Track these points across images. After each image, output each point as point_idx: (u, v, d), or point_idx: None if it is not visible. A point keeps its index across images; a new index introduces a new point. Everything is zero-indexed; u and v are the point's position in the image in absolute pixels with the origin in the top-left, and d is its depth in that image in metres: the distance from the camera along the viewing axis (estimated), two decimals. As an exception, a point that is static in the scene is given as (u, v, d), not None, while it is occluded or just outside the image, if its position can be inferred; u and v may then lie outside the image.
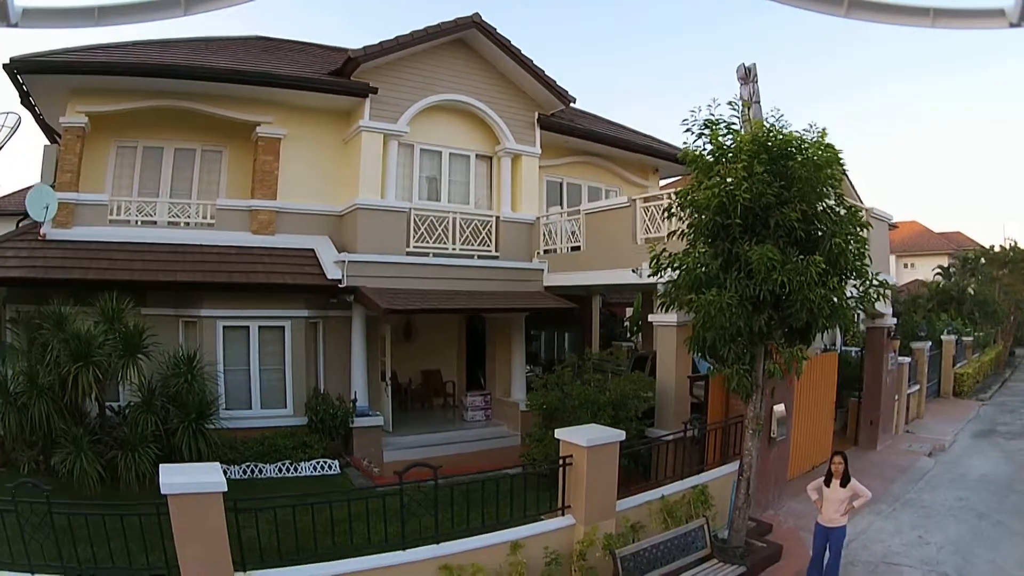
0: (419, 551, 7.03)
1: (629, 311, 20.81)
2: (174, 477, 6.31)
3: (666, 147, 17.26)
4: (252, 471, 11.89)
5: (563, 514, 7.80)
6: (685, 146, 8.21)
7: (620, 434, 7.98)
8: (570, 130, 16.01)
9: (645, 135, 18.38)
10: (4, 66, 13.17)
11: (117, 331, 11.03)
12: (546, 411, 11.22)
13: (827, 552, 7.81)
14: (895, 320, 15.54)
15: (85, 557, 6.76)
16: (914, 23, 3.57)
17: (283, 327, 13.31)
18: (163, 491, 6.14)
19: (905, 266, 44.49)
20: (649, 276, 9.17)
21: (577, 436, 7.70)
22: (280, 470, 12.02)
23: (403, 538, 7.04)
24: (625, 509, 8.14)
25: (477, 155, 15.22)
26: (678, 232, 8.69)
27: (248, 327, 13.21)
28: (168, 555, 6.43)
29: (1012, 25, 3.54)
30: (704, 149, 8.08)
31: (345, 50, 14.60)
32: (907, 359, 16.71)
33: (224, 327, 13.08)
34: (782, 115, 8.03)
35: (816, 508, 8.02)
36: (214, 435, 11.49)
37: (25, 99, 14.68)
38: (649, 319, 12.09)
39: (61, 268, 12.76)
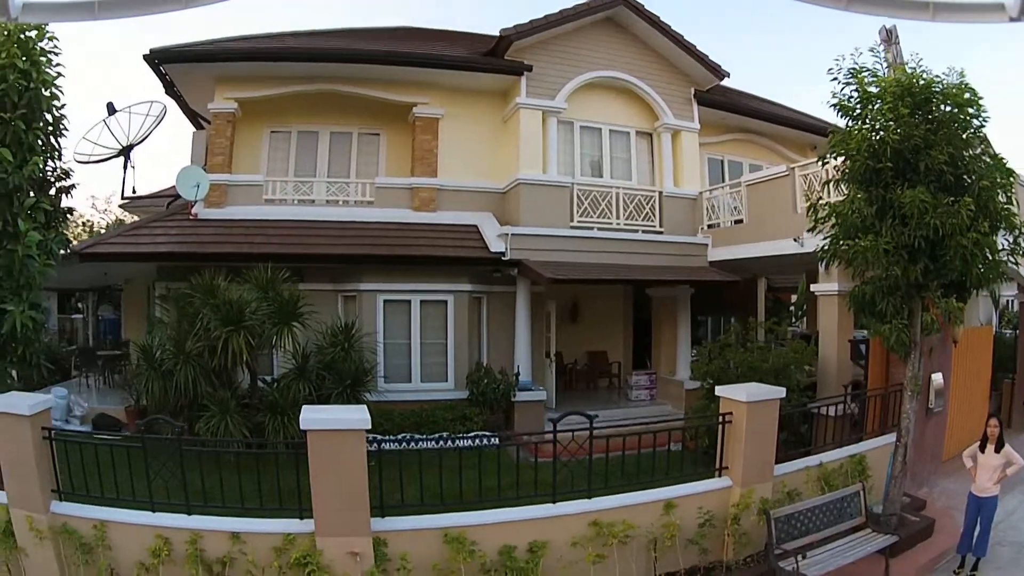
0: (569, 505, 6.78)
1: (795, 298, 20.17)
2: (315, 414, 6.30)
3: (823, 124, 16.81)
4: (408, 442, 11.30)
5: (720, 475, 7.47)
6: (832, 94, 8.18)
7: (780, 391, 7.67)
8: (728, 106, 15.72)
9: (800, 112, 17.99)
10: (144, 57, 13.52)
11: (271, 300, 10.77)
12: (708, 380, 10.80)
13: (977, 526, 7.51)
14: (1048, 294, 14.89)
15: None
16: (914, 17, 3.55)
17: (446, 301, 13.00)
18: (303, 426, 6.07)
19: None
20: (808, 231, 9.18)
21: (737, 392, 7.47)
22: (437, 442, 11.42)
23: (554, 491, 6.81)
24: (782, 474, 7.76)
25: (637, 132, 14.91)
26: (832, 180, 8.76)
27: (409, 301, 12.95)
28: (302, 500, 6.36)
29: (1012, 20, 3.50)
30: (851, 98, 8.06)
31: (491, 38, 14.62)
32: (1059, 336, 15.93)
33: (385, 301, 12.89)
34: (921, 59, 7.89)
35: (970, 478, 7.76)
36: (371, 406, 10.95)
37: (169, 88, 14.85)
38: (811, 289, 11.78)
39: (214, 243, 12.78)
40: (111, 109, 15.15)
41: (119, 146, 14.89)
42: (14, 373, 8.99)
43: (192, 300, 10.73)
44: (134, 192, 14.88)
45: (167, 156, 46.47)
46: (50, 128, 9.36)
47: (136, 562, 6.38)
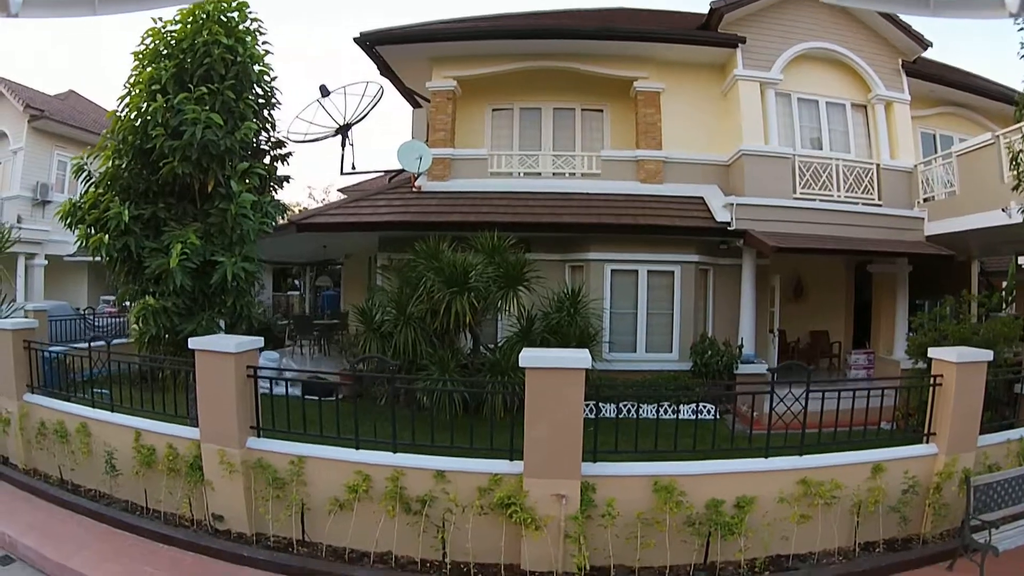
0: (780, 460, 6.66)
1: (1005, 284, 19.48)
2: (534, 352, 6.30)
3: (1030, 97, 16.16)
4: (628, 410, 11.29)
5: (927, 441, 7.17)
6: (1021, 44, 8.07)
7: (988, 353, 7.31)
8: (935, 77, 15.23)
9: (1005, 86, 17.32)
10: (355, 39, 13.78)
11: (497, 264, 10.75)
12: (922, 356, 10.25)
13: None
14: None
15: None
16: (914, 11, 3.40)
17: (673, 272, 12.92)
18: (522, 364, 6.07)
19: None
20: (1013, 189, 9.11)
21: (947, 353, 7.15)
22: (656, 411, 11.35)
23: (767, 445, 6.69)
24: (985, 445, 7.41)
25: (852, 104, 14.58)
26: None
27: (637, 271, 12.91)
28: (514, 444, 6.38)
29: (1012, 16, 3.49)
30: None
31: (696, 15, 14.52)
32: None
33: (612, 271, 12.85)
34: None
35: None
36: (594, 373, 11.00)
37: (385, 69, 15.11)
38: (1020, 263, 11.18)
39: (438, 212, 12.92)
40: (324, 91, 15.42)
41: (335, 126, 15.24)
42: (222, 323, 9.12)
43: (415, 266, 10.81)
44: (353, 168, 15.21)
45: (376, 141, 47.06)
46: (261, 101, 9.54)
47: (330, 498, 6.45)
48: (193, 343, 7.02)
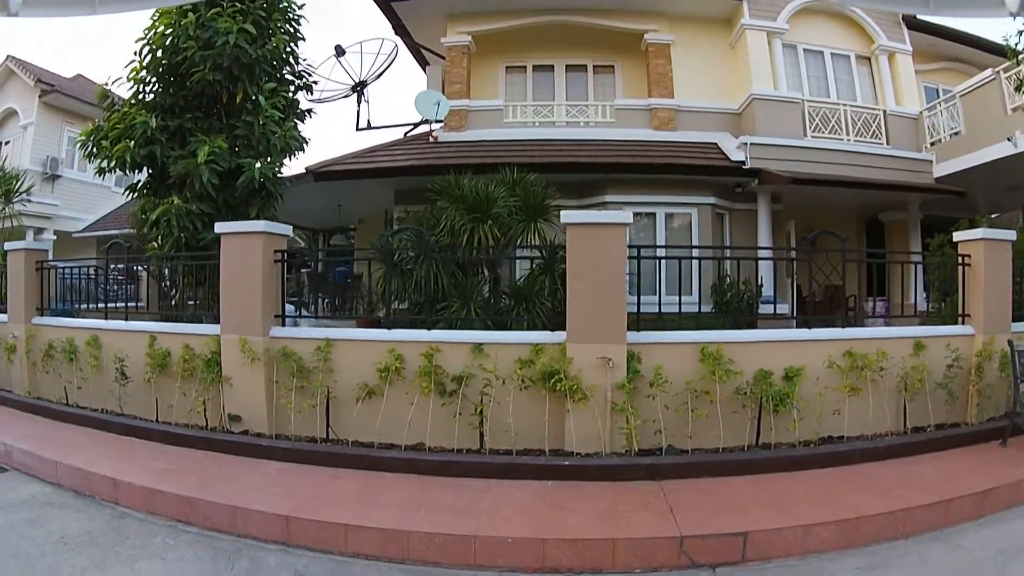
0: (824, 331, 6.60)
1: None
2: (575, 212, 6.15)
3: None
4: None
5: (963, 322, 6.98)
6: None
7: (1011, 233, 7.20)
8: (933, 29, 14.72)
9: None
10: None
11: (518, 196, 9.97)
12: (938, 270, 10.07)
13: None
14: None
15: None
16: (913, 10, 3.13)
17: (690, 214, 12.36)
18: (563, 220, 5.87)
19: None
20: (1013, 110, 9.50)
21: (973, 233, 7.03)
22: None
23: (807, 321, 6.86)
24: (1020, 331, 7.08)
25: (857, 55, 14.13)
26: None
27: (654, 213, 12.29)
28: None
29: (1012, 15, 3.31)
30: None
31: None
32: None
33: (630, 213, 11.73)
34: None
35: None
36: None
37: (399, 28, 14.36)
38: None
39: (456, 157, 12.30)
40: (339, 50, 14.64)
41: (351, 82, 14.30)
42: None
43: (435, 200, 9.90)
44: (369, 125, 14.23)
45: (388, 103, 45.72)
46: (287, 36, 9.29)
47: (359, 384, 5.96)
48: (220, 227, 6.57)
